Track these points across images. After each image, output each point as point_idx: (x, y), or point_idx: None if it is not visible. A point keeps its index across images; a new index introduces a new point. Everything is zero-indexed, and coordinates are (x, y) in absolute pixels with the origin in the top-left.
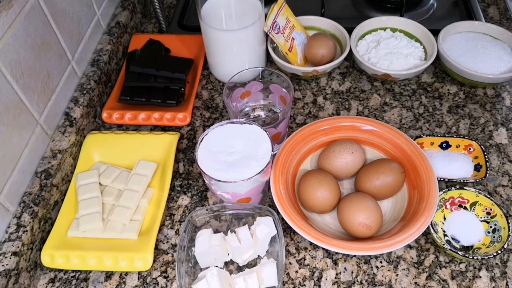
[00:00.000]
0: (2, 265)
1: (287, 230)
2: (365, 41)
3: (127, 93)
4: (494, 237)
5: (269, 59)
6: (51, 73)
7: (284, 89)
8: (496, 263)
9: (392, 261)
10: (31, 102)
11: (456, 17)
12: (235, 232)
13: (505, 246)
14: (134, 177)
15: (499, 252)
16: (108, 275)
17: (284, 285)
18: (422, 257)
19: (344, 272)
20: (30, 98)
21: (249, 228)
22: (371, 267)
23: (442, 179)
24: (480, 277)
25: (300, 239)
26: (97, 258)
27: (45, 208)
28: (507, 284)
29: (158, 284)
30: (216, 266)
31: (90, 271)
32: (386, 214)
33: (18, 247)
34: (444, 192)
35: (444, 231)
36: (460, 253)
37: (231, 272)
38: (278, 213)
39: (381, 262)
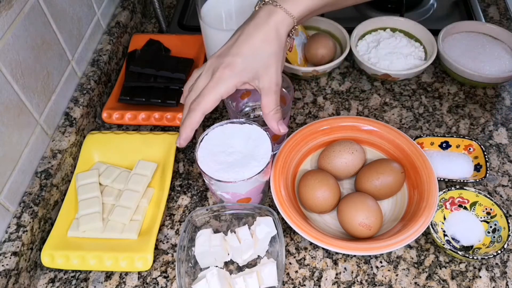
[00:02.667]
0: (2, 265)
1: (287, 230)
2: (365, 41)
3: (127, 93)
4: (494, 237)
5: None
6: (51, 73)
7: (284, 89)
8: (496, 263)
9: (392, 261)
10: (31, 102)
11: (456, 17)
12: (235, 232)
13: (505, 246)
14: (134, 177)
15: (499, 252)
16: (108, 275)
17: (284, 285)
18: (422, 257)
19: (344, 272)
20: (30, 98)
21: (249, 228)
22: (371, 267)
23: (442, 179)
24: (480, 277)
25: (300, 239)
26: (97, 258)
27: (45, 208)
28: (507, 284)
29: (158, 284)
30: (216, 266)
31: (90, 271)
32: (386, 214)
33: (18, 247)
34: (444, 192)
35: (444, 231)
36: (460, 253)
37: (231, 272)
38: (278, 213)
39: (381, 262)
